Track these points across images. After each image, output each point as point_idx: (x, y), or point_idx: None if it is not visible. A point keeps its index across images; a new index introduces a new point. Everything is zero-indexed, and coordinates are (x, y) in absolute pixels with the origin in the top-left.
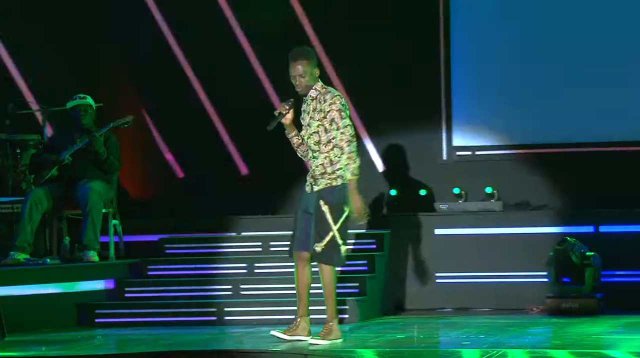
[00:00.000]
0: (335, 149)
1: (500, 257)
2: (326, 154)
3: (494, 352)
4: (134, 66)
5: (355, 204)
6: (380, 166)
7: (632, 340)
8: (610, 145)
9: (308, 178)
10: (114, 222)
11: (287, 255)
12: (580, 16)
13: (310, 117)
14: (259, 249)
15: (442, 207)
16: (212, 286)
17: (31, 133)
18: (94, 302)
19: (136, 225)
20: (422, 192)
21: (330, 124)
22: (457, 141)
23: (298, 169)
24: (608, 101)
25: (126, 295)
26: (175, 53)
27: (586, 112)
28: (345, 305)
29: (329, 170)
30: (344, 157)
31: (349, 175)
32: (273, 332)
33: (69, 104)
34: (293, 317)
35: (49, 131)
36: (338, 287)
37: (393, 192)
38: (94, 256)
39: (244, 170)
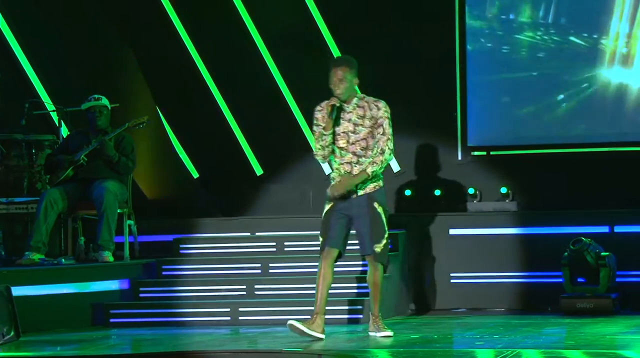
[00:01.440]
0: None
1: (514, 257)
2: (371, 159)
3: (508, 352)
4: (150, 66)
5: (343, 183)
6: (395, 166)
7: None
8: (626, 145)
9: None
10: (129, 222)
11: (300, 256)
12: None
13: (357, 124)
14: (274, 249)
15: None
16: (226, 286)
17: (46, 133)
18: (108, 302)
19: (151, 225)
20: (437, 192)
21: (378, 130)
22: (472, 141)
23: (312, 170)
24: (624, 101)
25: (141, 295)
26: (191, 53)
27: (601, 113)
28: (360, 305)
29: (373, 173)
30: (380, 159)
31: (370, 170)
32: (291, 322)
33: (84, 106)
34: (308, 317)
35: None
36: (353, 287)
37: (408, 192)
38: (108, 256)
39: (258, 170)
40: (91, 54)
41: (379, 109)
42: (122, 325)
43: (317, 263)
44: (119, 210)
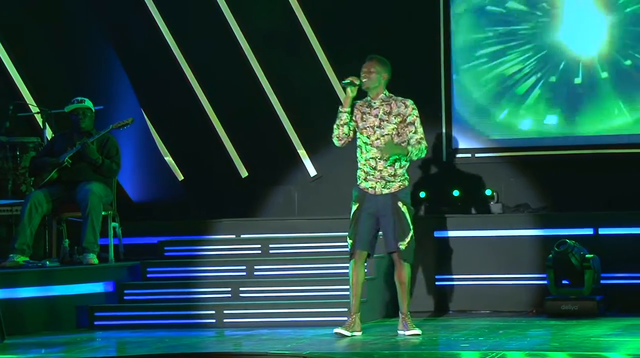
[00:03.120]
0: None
1: (499, 259)
2: (397, 157)
3: (493, 354)
4: (134, 68)
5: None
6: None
7: (631, 342)
8: (610, 147)
9: (372, 178)
10: (114, 224)
11: (286, 258)
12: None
13: (383, 120)
14: (259, 252)
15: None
16: (211, 288)
17: (31, 135)
18: (93, 304)
19: (136, 227)
20: (422, 194)
21: (406, 128)
22: (457, 143)
23: (297, 172)
24: (606, 104)
25: (125, 297)
26: (175, 55)
27: (585, 115)
28: (344, 307)
29: (399, 172)
30: (418, 147)
31: (409, 149)
32: (336, 330)
33: (67, 108)
34: (286, 319)
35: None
36: (339, 290)
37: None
38: (93, 258)
39: (243, 172)
40: (76, 55)
41: (406, 106)
42: (107, 327)
43: (300, 266)
44: (103, 213)
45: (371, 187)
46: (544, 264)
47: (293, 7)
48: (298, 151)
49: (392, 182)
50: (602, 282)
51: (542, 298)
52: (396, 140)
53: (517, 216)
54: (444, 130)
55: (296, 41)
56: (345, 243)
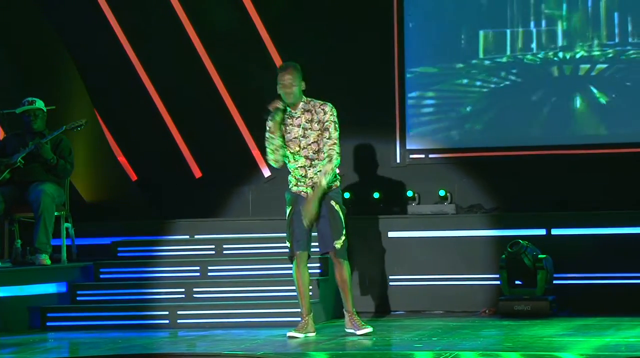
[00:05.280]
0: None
1: (453, 259)
2: (321, 168)
3: (447, 355)
4: (88, 68)
5: (309, 208)
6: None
7: (583, 342)
8: (561, 148)
9: (303, 185)
10: (66, 225)
11: (239, 258)
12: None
13: (306, 129)
14: (212, 252)
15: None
16: (164, 289)
17: None
18: (45, 305)
19: (89, 228)
20: (376, 195)
21: (324, 134)
22: (411, 144)
23: (251, 172)
24: (558, 105)
25: (78, 298)
26: (129, 55)
27: (537, 116)
28: (298, 308)
29: (328, 183)
30: (330, 166)
31: (324, 182)
32: (289, 334)
33: (18, 110)
34: (240, 320)
35: (0, 133)
36: (291, 290)
37: (347, 195)
38: (45, 259)
39: (197, 172)
40: (28, 55)
41: (325, 112)
42: (60, 328)
43: (255, 266)
44: (56, 213)
45: (304, 191)
46: (497, 265)
47: (247, 7)
48: (252, 152)
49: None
50: (554, 282)
51: (496, 298)
52: (322, 145)
53: (471, 217)
54: (397, 131)
55: (250, 41)
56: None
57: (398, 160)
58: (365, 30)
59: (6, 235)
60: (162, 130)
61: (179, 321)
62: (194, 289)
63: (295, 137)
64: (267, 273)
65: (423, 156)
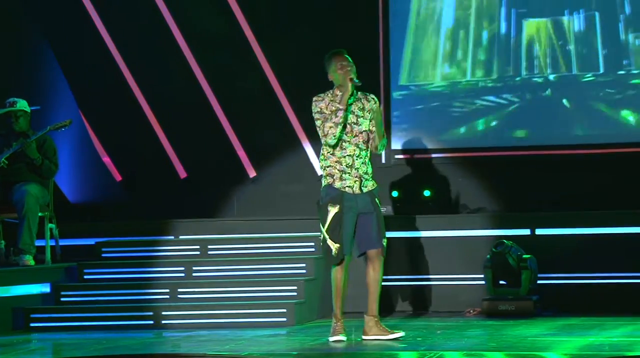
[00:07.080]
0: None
1: (437, 259)
2: (366, 152)
3: (431, 354)
4: (72, 69)
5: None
6: (319, 170)
7: (567, 342)
8: (546, 148)
9: (348, 177)
10: (50, 225)
11: (224, 259)
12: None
13: (359, 116)
14: (197, 253)
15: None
16: (149, 290)
17: None
18: (29, 306)
19: (73, 228)
20: None
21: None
22: (396, 144)
23: (236, 173)
24: (544, 105)
25: (62, 299)
26: (114, 56)
27: (522, 116)
28: (283, 308)
29: (370, 170)
30: (383, 141)
31: (377, 139)
32: (333, 338)
33: (0, 111)
34: (225, 320)
35: None
36: (276, 291)
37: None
38: (29, 260)
39: (182, 173)
40: (12, 55)
41: (375, 101)
42: (43, 329)
43: (239, 267)
44: (40, 214)
45: (349, 186)
46: (482, 265)
47: (233, 9)
48: (237, 152)
49: (367, 180)
50: (538, 282)
51: (480, 298)
52: (371, 135)
53: (455, 217)
54: None
55: (236, 42)
56: (287, 245)
57: (383, 161)
58: (352, 25)
59: None
60: (147, 130)
61: (163, 322)
62: (179, 290)
63: (348, 123)
64: (252, 274)
65: (409, 156)
